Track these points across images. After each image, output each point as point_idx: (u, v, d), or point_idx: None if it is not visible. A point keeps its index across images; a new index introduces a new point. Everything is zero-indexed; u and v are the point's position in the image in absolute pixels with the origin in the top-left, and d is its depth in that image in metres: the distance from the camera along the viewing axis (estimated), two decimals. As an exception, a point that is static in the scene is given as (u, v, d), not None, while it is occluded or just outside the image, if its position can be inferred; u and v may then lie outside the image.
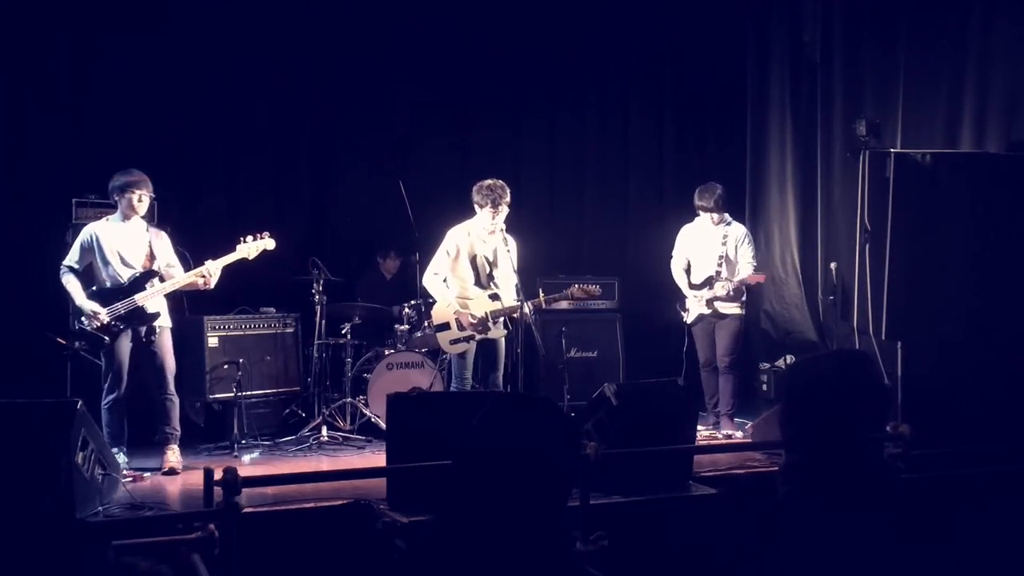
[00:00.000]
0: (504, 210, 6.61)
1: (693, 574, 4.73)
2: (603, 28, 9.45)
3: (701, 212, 7.37)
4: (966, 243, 6.60)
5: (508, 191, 6.64)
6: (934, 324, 6.53)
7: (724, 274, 7.29)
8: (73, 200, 7.19)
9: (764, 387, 8.79)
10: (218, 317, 7.26)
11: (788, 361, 8.67)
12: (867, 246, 6.73)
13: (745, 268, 7.29)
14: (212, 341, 7.18)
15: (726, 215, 7.41)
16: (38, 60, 7.59)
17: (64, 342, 6.71)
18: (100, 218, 6.96)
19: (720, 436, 7.17)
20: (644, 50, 9.71)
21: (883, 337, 6.62)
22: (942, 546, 2.40)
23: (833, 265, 7.90)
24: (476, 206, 6.67)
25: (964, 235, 6.60)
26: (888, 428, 4.75)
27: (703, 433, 7.01)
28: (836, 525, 2.22)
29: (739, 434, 7.11)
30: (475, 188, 6.67)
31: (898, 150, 6.97)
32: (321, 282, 7.32)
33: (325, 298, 7.36)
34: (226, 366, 7.12)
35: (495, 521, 1.93)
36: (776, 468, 5.51)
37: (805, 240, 8.92)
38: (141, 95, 7.82)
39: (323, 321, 7.40)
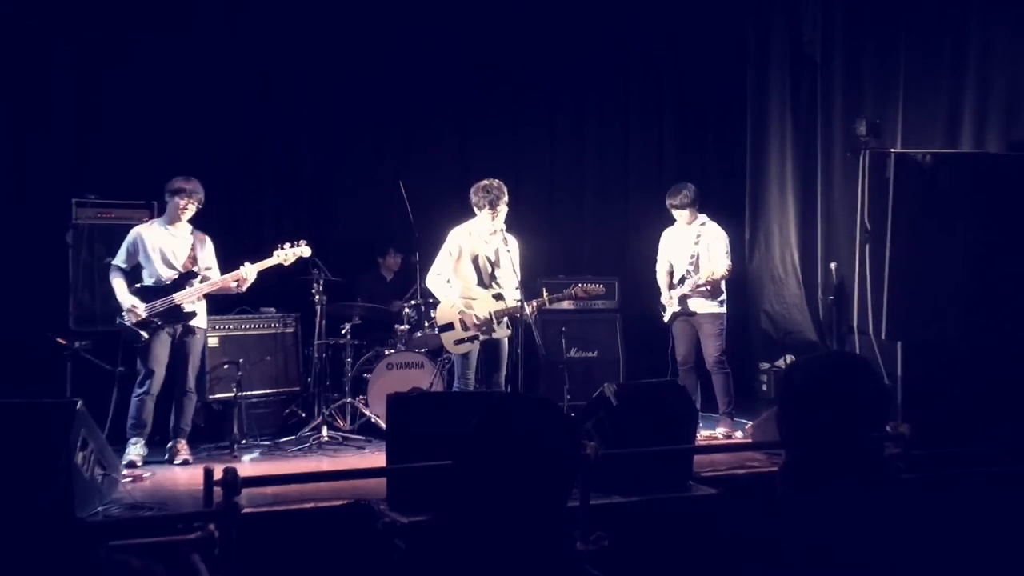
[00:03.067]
0: (503, 210, 6.61)
1: (693, 574, 4.73)
2: (603, 28, 9.44)
3: (672, 211, 7.41)
4: (966, 243, 6.60)
5: (506, 190, 6.63)
6: (934, 324, 6.53)
7: (694, 272, 7.31)
8: (73, 200, 7.19)
9: (764, 387, 8.79)
10: (218, 317, 7.26)
11: (788, 361, 8.66)
12: (867, 246, 6.73)
13: (718, 264, 7.20)
14: (212, 341, 7.18)
15: (700, 215, 7.42)
16: (39, 60, 7.59)
17: (64, 342, 6.74)
18: (100, 218, 7.12)
19: (720, 436, 7.17)
20: (644, 50, 9.71)
21: (883, 337, 6.62)
22: (942, 546, 2.40)
23: (833, 265, 7.90)
24: (475, 207, 6.67)
25: (964, 235, 6.60)
26: (888, 428, 4.75)
27: (703, 433, 7.01)
28: (834, 524, 2.22)
29: (739, 434, 7.11)
30: (472, 189, 6.67)
31: (898, 150, 6.97)
32: (321, 282, 7.32)
33: (325, 298, 7.36)
34: (226, 366, 7.13)
35: (495, 521, 1.93)
36: (776, 468, 5.53)
37: (805, 240, 8.92)
38: (141, 95, 7.82)
39: (323, 321, 7.40)
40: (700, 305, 7.32)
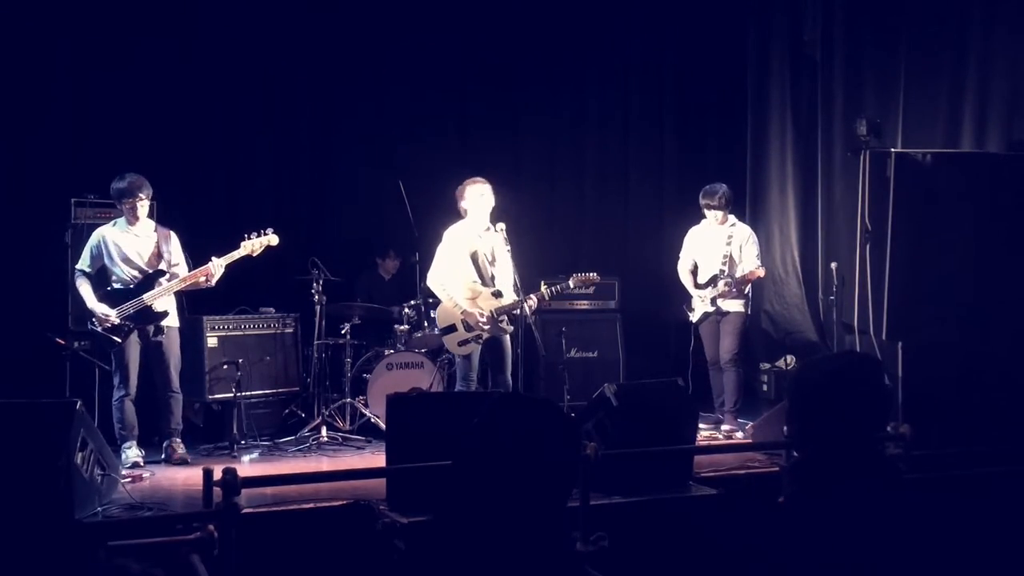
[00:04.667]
0: (477, 206, 6.62)
1: (693, 574, 4.73)
2: (603, 28, 9.44)
3: (706, 211, 7.39)
4: (966, 243, 6.59)
5: (476, 185, 6.64)
6: (934, 324, 6.52)
7: (728, 272, 7.30)
8: (72, 200, 7.18)
9: (764, 387, 8.78)
10: (218, 317, 7.26)
11: (788, 361, 8.66)
12: (867, 246, 6.73)
13: (749, 267, 7.28)
14: (211, 341, 7.17)
15: (731, 216, 7.43)
16: (38, 60, 7.59)
17: (63, 342, 6.74)
18: (100, 218, 7.12)
19: (720, 435, 7.16)
20: (644, 50, 9.71)
21: (883, 337, 6.62)
22: (943, 547, 2.39)
23: (833, 265, 7.90)
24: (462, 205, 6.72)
25: (964, 235, 6.59)
26: (889, 428, 4.75)
27: (704, 433, 7.00)
28: (841, 524, 2.22)
29: (739, 434, 7.11)
30: (458, 190, 6.73)
31: (899, 150, 6.96)
32: (321, 282, 7.31)
33: (325, 298, 7.35)
34: (225, 366, 7.12)
35: (495, 521, 1.92)
36: (776, 468, 5.53)
37: (805, 240, 8.92)
38: (140, 95, 7.82)
39: (323, 321, 7.39)
40: (730, 304, 7.33)
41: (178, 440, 6.46)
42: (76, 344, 6.86)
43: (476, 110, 9.18)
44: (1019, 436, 5.72)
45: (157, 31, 7.88)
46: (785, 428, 2.48)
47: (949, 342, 6.48)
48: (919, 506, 2.40)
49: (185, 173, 8.05)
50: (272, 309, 7.66)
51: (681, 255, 7.62)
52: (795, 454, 2.44)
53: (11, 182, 7.55)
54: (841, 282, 7.68)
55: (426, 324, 7.52)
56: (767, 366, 8.82)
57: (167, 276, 6.41)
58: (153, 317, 6.34)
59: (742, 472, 5.71)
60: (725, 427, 7.23)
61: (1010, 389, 6.25)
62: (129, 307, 6.27)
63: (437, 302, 6.92)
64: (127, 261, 6.38)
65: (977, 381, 6.31)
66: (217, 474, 3.77)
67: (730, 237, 7.37)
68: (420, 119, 8.96)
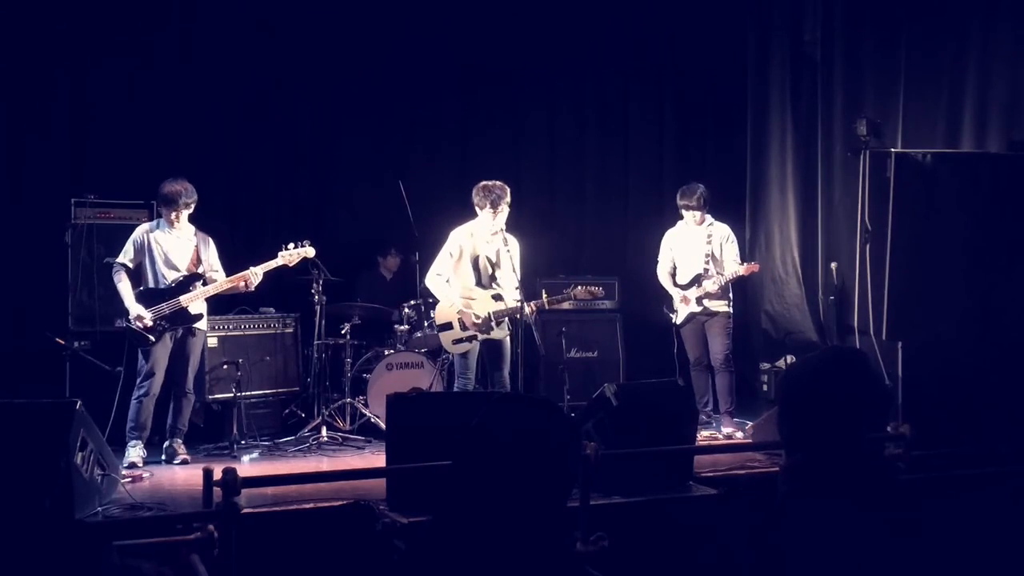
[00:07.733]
0: (504, 211, 6.61)
1: (693, 574, 4.73)
2: (603, 28, 9.44)
3: (684, 212, 7.41)
4: (966, 243, 6.60)
5: (508, 191, 6.64)
6: (934, 324, 6.52)
7: (712, 271, 7.31)
8: (72, 200, 7.18)
9: (764, 387, 8.78)
10: (218, 317, 7.25)
11: (788, 361, 8.66)
12: (867, 246, 6.73)
13: (730, 266, 7.32)
14: (212, 341, 7.17)
15: (709, 216, 7.44)
16: (37, 60, 7.59)
17: (63, 342, 6.74)
18: (100, 218, 7.14)
19: (720, 436, 7.17)
20: (644, 50, 9.71)
21: (883, 337, 6.62)
22: (942, 547, 2.39)
23: (833, 265, 7.90)
24: (476, 207, 6.67)
25: (964, 235, 6.60)
26: (889, 428, 4.75)
27: (703, 433, 7.00)
28: (835, 525, 2.21)
29: (739, 434, 7.11)
30: (475, 189, 6.68)
31: (899, 150, 6.96)
32: (320, 282, 7.30)
33: (325, 298, 7.35)
34: (225, 366, 7.12)
35: (495, 522, 1.92)
36: (776, 468, 5.52)
37: (805, 240, 8.91)
38: (140, 95, 7.81)
39: (323, 321, 7.39)
40: (715, 305, 7.35)
41: (180, 441, 6.49)
42: (76, 344, 6.87)
43: (477, 110, 9.18)
44: (1019, 436, 5.73)
45: (157, 30, 7.88)
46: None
47: (949, 342, 6.48)
48: (918, 506, 2.39)
49: (185, 173, 8.01)
50: (272, 309, 7.66)
51: (660, 258, 7.62)
52: (786, 457, 2.42)
53: (11, 182, 7.54)
54: (841, 282, 7.68)
55: (426, 324, 7.52)
56: (767, 366, 8.83)
57: (203, 280, 6.49)
58: (189, 319, 6.46)
59: (742, 472, 5.71)
60: (727, 429, 7.23)
61: (1010, 389, 6.25)
62: (165, 307, 6.35)
63: (437, 301, 6.92)
64: (167, 263, 6.47)
65: (977, 381, 6.31)
66: (217, 474, 3.77)
67: (709, 236, 7.39)
68: (420, 119, 8.96)
